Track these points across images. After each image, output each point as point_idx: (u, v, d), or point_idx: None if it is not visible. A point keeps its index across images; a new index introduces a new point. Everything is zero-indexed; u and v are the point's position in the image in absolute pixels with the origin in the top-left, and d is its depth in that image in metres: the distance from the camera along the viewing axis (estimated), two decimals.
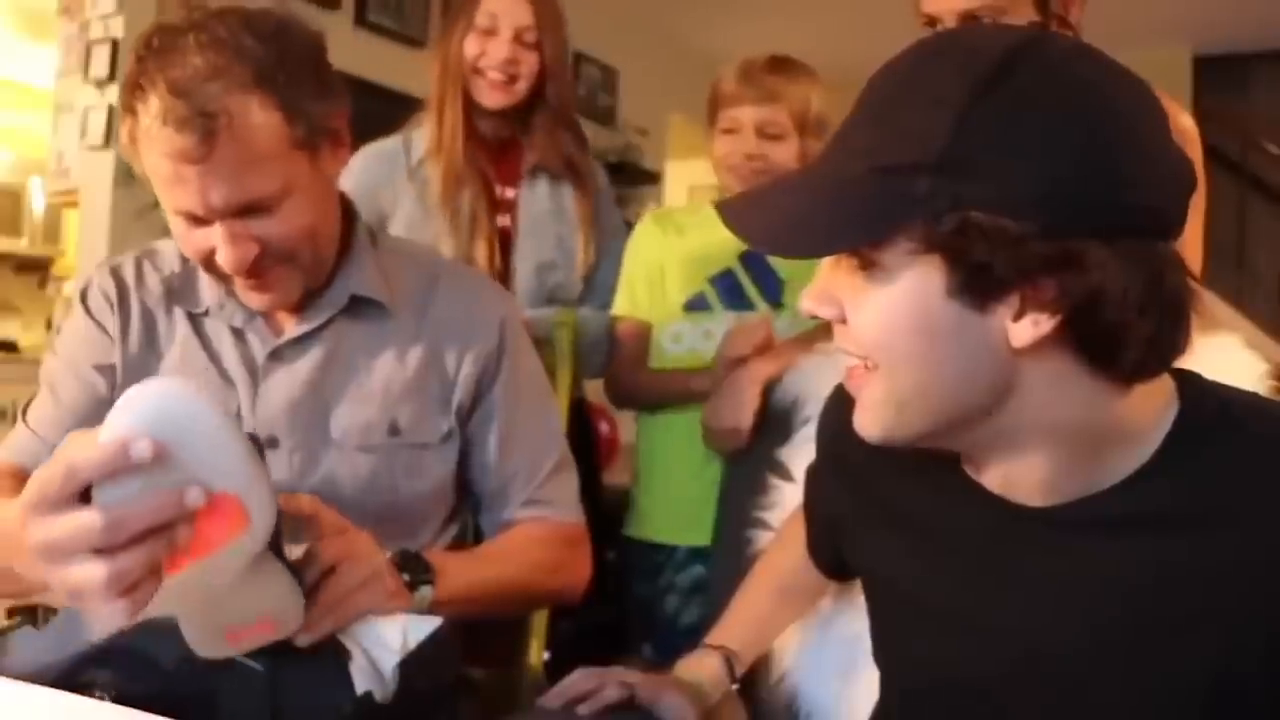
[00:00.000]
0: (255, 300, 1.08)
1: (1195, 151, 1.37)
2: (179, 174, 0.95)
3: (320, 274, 1.10)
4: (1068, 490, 0.69)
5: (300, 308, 1.10)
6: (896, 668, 0.86)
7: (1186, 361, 0.68)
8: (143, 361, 1.11)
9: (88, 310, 1.13)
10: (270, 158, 0.97)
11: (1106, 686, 0.69)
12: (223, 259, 1.00)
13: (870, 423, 0.71)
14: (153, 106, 0.94)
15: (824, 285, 0.70)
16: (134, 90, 0.96)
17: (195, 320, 1.12)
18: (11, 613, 1.07)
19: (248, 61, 0.95)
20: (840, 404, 0.89)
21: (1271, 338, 1.19)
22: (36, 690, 0.83)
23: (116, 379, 1.11)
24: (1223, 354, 1.04)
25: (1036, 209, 0.60)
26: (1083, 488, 0.69)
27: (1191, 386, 0.70)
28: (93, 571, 0.66)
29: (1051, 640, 0.71)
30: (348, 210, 1.16)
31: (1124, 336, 0.63)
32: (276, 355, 1.09)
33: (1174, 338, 0.65)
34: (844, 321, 0.69)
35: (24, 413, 1.12)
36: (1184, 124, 1.40)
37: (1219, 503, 0.66)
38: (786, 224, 0.67)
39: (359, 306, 1.12)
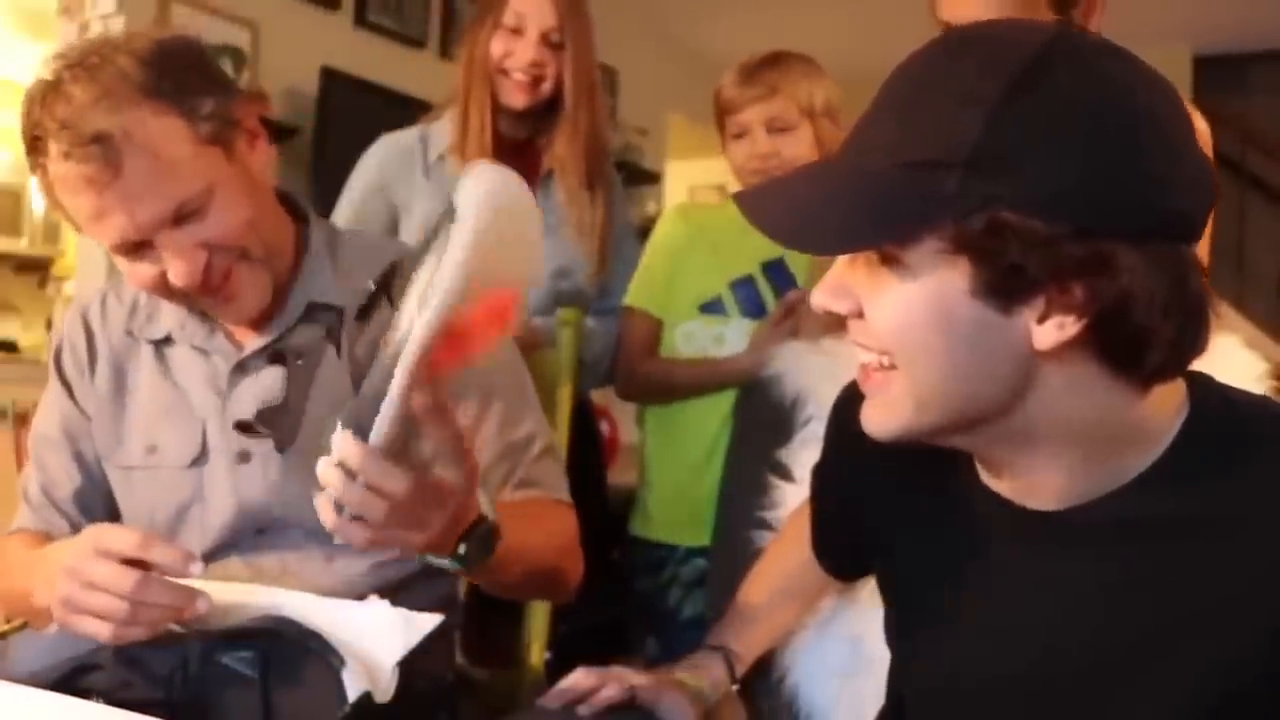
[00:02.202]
0: (229, 313, 1.07)
1: (1208, 153, 1.36)
2: (100, 206, 0.95)
3: (281, 268, 1.08)
4: (1078, 492, 0.69)
5: (260, 322, 1.09)
6: (908, 665, 0.85)
7: None
8: (115, 405, 1.12)
9: (60, 372, 1.15)
10: (182, 160, 0.96)
11: (1116, 689, 0.68)
12: (175, 275, 0.99)
13: (882, 421, 0.70)
14: (53, 151, 0.94)
15: (839, 279, 0.69)
16: (34, 146, 0.96)
17: (158, 350, 1.12)
18: (11, 616, 1.08)
19: (128, 79, 0.95)
20: (854, 401, 0.88)
21: (1271, 338, 1.19)
22: (36, 693, 0.83)
23: (91, 438, 1.13)
24: (1223, 354, 1.04)
25: (1069, 210, 0.60)
26: (1092, 489, 0.69)
27: (1202, 388, 0.70)
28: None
29: (1060, 643, 0.70)
30: (298, 212, 1.15)
31: (1148, 340, 0.63)
32: (241, 368, 1.09)
33: (1194, 340, 0.65)
34: (859, 316, 0.68)
35: (25, 492, 1.15)
36: (1199, 126, 1.38)
37: (1228, 505, 0.65)
38: (812, 219, 0.66)
39: (317, 313, 1.10)
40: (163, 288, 1.01)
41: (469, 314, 0.70)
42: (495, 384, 1.15)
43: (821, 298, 0.70)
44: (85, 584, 0.85)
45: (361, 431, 0.74)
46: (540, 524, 1.08)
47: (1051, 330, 0.62)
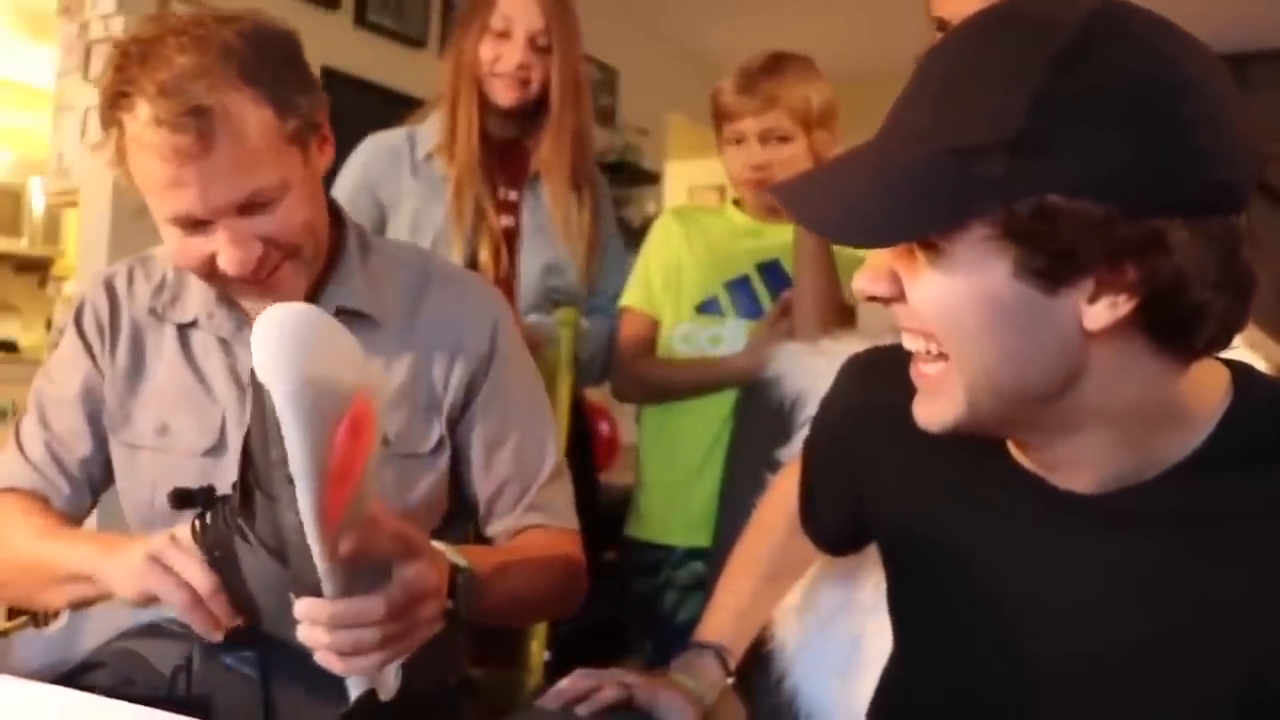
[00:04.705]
0: (263, 304, 1.04)
1: None
2: (178, 177, 0.94)
3: (317, 268, 1.08)
4: (1114, 477, 0.68)
5: None
6: (917, 645, 0.84)
7: None
8: (130, 380, 1.10)
9: (80, 332, 1.13)
10: (266, 153, 0.96)
11: (1138, 679, 0.68)
12: (225, 261, 0.98)
13: (935, 414, 0.68)
14: (141, 113, 0.93)
15: (880, 262, 0.68)
16: (117, 100, 0.95)
17: (183, 333, 1.11)
18: (13, 614, 1.07)
19: (232, 58, 0.94)
20: (865, 377, 0.87)
21: (1271, 338, 1.19)
22: (42, 687, 0.83)
23: (105, 403, 1.11)
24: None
25: (1120, 189, 0.58)
26: (1130, 474, 0.68)
27: (1245, 377, 0.69)
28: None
29: (1089, 629, 0.70)
30: (337, 215, 1.14)
31: (1200, 315, 0.62)
32: None
33: (1240, 313, 0.64)
34: (902, 299, 0.67)
35: (17, 434, 1.12)
36: None
37: (1267, 498, 0.65)
38: (854, 212, 0.64)
39: (346, 319, 1.07)
40: (206, 267, 1.01)
41: (335, 454, 0.69)
42: (514, 407, 1.15)
43: (862, 282, 0.69)
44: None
45: (312, 590, 0.75)
46: (542, 559, 1.09)
47: (1103, 311, 0.61)
